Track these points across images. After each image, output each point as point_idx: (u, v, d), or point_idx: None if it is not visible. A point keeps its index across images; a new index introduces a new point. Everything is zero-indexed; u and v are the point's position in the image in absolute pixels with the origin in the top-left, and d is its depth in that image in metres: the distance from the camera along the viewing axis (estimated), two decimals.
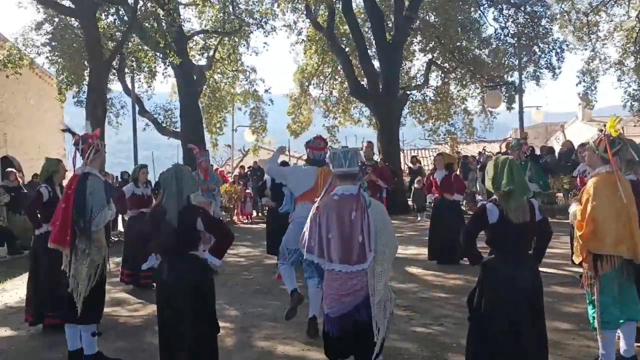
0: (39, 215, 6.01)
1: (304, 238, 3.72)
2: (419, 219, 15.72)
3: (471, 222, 3.97)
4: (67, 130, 5.13)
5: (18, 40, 17.62)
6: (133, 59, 19.00)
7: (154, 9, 17.02)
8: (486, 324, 3.72)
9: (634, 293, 4.15)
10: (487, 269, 3.84)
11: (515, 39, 19.93)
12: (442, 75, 23.23)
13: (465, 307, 6.15)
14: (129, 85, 19.68)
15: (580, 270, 4.41)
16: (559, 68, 20.11)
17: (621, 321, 4.10)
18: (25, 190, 12.82)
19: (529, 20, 19.91)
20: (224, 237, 4.11)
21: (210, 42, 22.01)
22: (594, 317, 4.16)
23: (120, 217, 12.73)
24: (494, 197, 3.82)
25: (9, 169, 13.58)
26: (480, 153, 20.09)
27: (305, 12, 20.86)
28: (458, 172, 10.09)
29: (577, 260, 4.39)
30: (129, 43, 18.06)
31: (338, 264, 3.48)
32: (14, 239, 12.22)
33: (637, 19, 18.22)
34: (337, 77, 24.78)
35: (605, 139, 4.25)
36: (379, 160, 11.96)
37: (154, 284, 7.15)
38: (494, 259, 3.81)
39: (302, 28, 23.28)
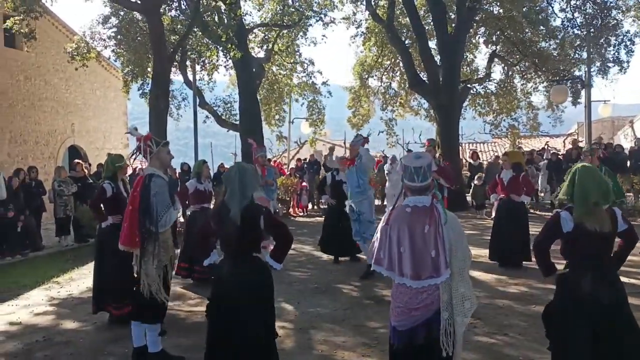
0: (103, 209, 6.21)
1: (372, 248, 3.63)
2: (478, 216, 15.36)
3: (544, 231, 3.78)
4: (131, 133, 5.20)
5: (86, 34, 18.24)
6: (195, 52, 19.30)
7: (215, 2, 17.21)
8: (566, 343, 3.53)
9: None
10: (564, 284, 3.65)
11: (583, 30, 19.09)
12: (506, 68, 22.59)
13: (531, 316, 5.99)
14: (190, 78, 20.03)
15: None
16: (628, 62, 19.19)
17: None
18: (91, 181, 13.28)
19: (597, 10, 19.03)
20: (284, 239, 4.07)
21: (270, 34, 22.11)
22: None
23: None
24: (570, 204, 3.64)
25: (76, 160, 14.09)
26: (543, 149, 19.43)
27: (364, 4, 20.67)
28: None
29: None
30: (191, 36, 18.35)
31: (409, 279, 3.37)
32: (81, 228, 12.70)
33: None
34: (396, 69, 24.52)
35: None
36: (438, 157, 11.70)
37: (211, 278, 7.33)
38: (571, 273, 3.62)
39: (361, 20, 23.14)
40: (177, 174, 16.05)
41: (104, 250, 5.99)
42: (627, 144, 21.22)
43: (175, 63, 18.25)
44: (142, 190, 4.69)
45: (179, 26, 18.29)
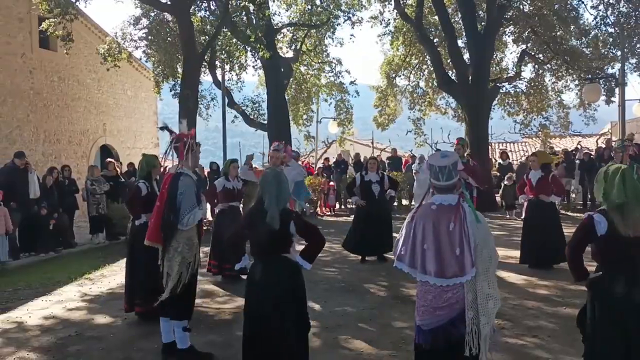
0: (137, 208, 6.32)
1: (397, 246, 3.64)
2: (508, 217, 15.17)
3: (577, 234, 3.67)
4: (164, 128, 5.29)
5: (117, 35, 18.57)
6: (224, 52, 19.48)
7: (244, 2, 17.36)
8: (601, 350, 3.47)
9: None
10: (597, 289, 3.57)
11: (616, 28, 18.70)
12: (536, 66, 22.25)
13: (561, 318, 5.91)
14: (220, 78, 20.22)
15: None
16: None
17: None
18: (123, 179, 13.52)
19: (632, 8, 18.63)
20: (316, 241, 4.13)
21: (298, 34, 22.19)
22: None
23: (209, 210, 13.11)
24: (603, 207, 3.57)
25: (108, 159, 14.37)
26: (576, 149, 19.07)
27: (392, 3, 20.59)
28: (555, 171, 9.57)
29: None
30: (221, 37, 18.52)
31: (433, 277, 3.37)
32: (112, 226, 12.94)
33: None
34: (423, 68, 24.35)
35: None
36: (466, 156, 11.59)
37: (240, 276, 7.40)
38: (603, 278, 3.53)
39: (389, 19, 23.07)
40: (205, 173, 16.26)
41: (136, 248, 6.08)
42: None
43: (204, 63, 18.47)
44: (169, 188, 4.77)
45: (208, 27, 18.50)
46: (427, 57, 21.38)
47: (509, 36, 22.35)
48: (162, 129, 5.49)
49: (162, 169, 6.97)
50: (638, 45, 19.03)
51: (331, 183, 18.29)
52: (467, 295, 3.35)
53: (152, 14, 18.71)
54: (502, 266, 8.49)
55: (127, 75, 21.61)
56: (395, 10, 20.85)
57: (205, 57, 17.53)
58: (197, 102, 16.76)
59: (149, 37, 18.80)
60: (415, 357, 3.61)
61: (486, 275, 3.39)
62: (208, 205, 9.02)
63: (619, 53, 18.69)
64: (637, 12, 18.44)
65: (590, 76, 19.50)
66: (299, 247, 4.22)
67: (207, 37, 17.89)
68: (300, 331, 4.05)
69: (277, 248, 4.02)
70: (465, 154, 9.65)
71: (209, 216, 13.61)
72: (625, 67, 18.72)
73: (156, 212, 4.94)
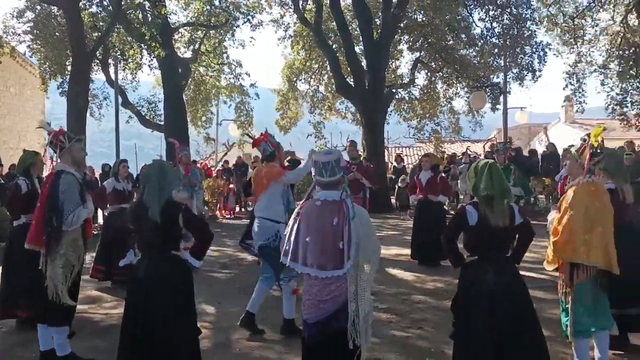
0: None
1: (284, 240, 3.71)
2: (402, 217, 15.73)
3: (451, 223, 4.03)
4: (43, 127, 5.01)
5: None
6: (117, 50, 18.75)
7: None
8: (468, 332, 3.71)
9: (605, 303, 4.19)
10: (467, 274, 3.86)
11: (500, 39, 20.04)
12: (429, 74, 23.32)
13: (445, 310, 6.21)
14: (113, 77, 19.43)
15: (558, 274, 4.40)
16: (540, 71, 20.30)
17: (593, 330, 4.13)
18: (3, 181, 12.64)
19: (514, 21, 20.02)
20: (203, 236, 4.07)
21: (196, 35, 21.82)
22: (566, 325, 4.18)
23: (100, 212, 12.56)
24: (475, 199, 3.84)
25: None
26: (464, 153, 20.18)
27: (292, 7, 20.78)
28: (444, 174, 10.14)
29: (548, 267, 4.39)
30: (114, 34, 17.81)
31: (314, 268, 3.45)
32: None
33: (621, 25, 18.33)
34: (324, 72, 24.78)
35: (587, 148, 4.29)
36: (363, 159, 11.92)
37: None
38: (473, 264, 3.83)
39: (289, 23, 23.27)
40: (95, 174, 15.56)
41: (15, 251, 5.69)
42: (541, 149, 22.36)
43: (96, 61, 17.68)
44: (50, 187, 4.53)
45: (100, 23, 17.72)
46: (327, 61, 21.78)
47: (404, 44, 23.25)
48: (41, 127, 5.20)
49: (46, 170, 6.60)
50: (520, 56, 20.41)
51: (231, 186, 18.12)
52: (349, 288, 3.46)
53: (38, 7, 17.66)
54: (394, 264, 8.84)
55: (9, 71, 20.24)
56: (295, 15, 21.06)
57: (97, 54, 16.77)
58: (87, 100, 16.00)
59: (35, 32, 17.73)
60: (302, 350, 3.67)
61: (368, 265, 3.52)
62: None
63: (502, 63, 19.98)
64: (518, 25, 19.79)
65: (478, 84, 20.72)
66: (186, 245, 4.15)
67: (99, 33, 17.13)
68: (191, 334, 3.97)
69: (165, 243, 3.91)
70: (360, 157, 9.95)
71: (100, 220, 13.05)
72: (508, 77, 20.08)
73: (37, 213, 4.68)
